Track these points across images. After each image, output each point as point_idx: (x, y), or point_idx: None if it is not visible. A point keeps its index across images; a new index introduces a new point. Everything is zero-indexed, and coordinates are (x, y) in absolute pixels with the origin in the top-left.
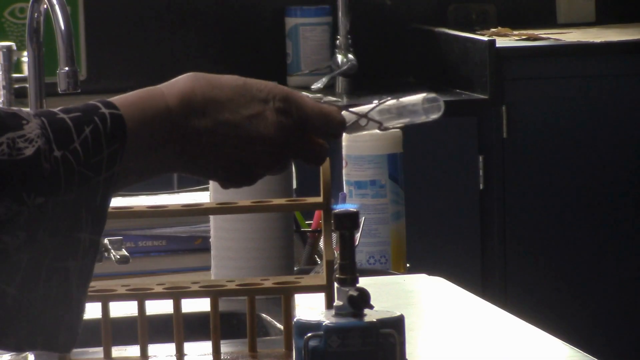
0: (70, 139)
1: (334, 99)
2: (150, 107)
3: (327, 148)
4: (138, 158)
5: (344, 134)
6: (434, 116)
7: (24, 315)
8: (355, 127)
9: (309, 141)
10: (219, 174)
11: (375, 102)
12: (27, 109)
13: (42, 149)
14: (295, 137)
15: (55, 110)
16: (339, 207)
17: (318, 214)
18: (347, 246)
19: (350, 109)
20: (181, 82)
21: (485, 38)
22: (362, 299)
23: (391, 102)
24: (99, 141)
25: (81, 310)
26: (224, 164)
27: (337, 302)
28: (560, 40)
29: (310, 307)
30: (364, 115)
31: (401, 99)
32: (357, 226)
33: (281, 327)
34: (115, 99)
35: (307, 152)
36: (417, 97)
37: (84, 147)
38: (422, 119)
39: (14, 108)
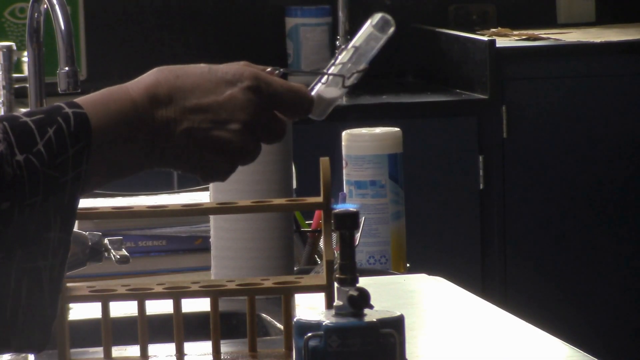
0: (34, 141)
1: None
2: (114, 102)
3: (288, 125)
4: (108, 154)
5: (344, 134)
6: (391, 30)
7: None
8: (322, 103)
9: (274, 118)
10: (195, 164)
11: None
12: None
13: (4, 154)
14: (265, 114)
15: (19, 114)
16: (339, 207)
17: (318, 214)
18: (347, 246)
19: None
20: (145, 77)
21: (485, 38)
22: (362, 299)
23: (345, 54)
24: (63, 141)
25: (54, 308)
26: (197, 152)
27: (337, 302)
28: (560, 40)
29: (310, 307)
30: (324, 74)
31: (352, 44)
32: (357, 226)
33: (281, 327)
34: (80, 99)
35: (271, 130)
36: (365, 29)
37: (48, 149)
38: (384, 39)
39: None
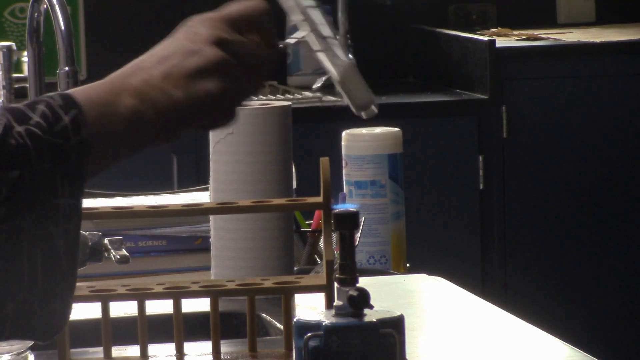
0: (28, 116)
1: (334, 98)
2: (92, 84)
3: (273, 53)
4: (104, 123)
5: (344, 134)
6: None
7: (11, 288)
8: (354, 82)
9: (246, 36)
10: (189, 109)
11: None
12: None
13: (6, 126)
14: (229, 30)
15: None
16: (339, 207)
17: (318, 214)
18: (347, 246)
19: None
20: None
21: (485, 38)
22: (362, 299)
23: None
24: (56, 112)
25: (73, 276)
26: (183, 91)
27: (337, 302)
28: (560, 40)
29: (310, 307)
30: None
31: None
32: (357, 226)
33: (281, 327)
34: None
35: (252, 44)
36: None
37: (44, 119)
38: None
39: None
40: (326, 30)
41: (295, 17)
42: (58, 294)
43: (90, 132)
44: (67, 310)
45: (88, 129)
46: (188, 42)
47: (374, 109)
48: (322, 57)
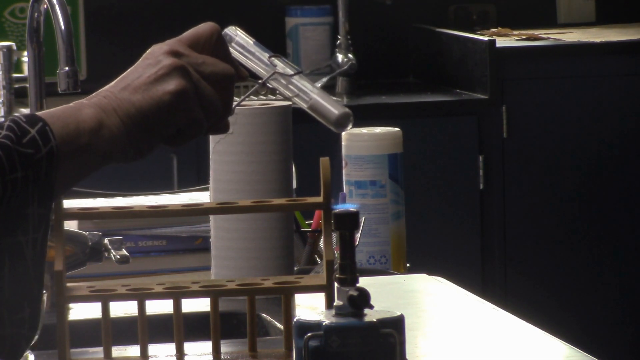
0: None
1: (335, 98)
2: (56, 109)
3: (229, 66)
4: (69, 131)
5: (344, 134)
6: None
7: None
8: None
9: (208, 60)
10: (147, 106)
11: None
12: None
13: None
14: (191, 54)
15: None
16: (339, 207)
17: (318, 214)
18: (347, 246)
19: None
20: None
21: (485, 38)
22: (362, 299)
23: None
24: (22, 126)
25: (40, 283)
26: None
27: (337, 302)
28: (560, 40)
29: (310, 307)
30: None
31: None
32: (357, 226)
33: (281, 327)
34: None
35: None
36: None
37: (12, 132)
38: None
39: None
40: (287, 71)
41: (257, 67)
42: (26, 303)
43: (58, 142)
44: (37, 320)
45: (56, 139)
46: (146, 60)
47: (348, 122)
48: (289, 94)
